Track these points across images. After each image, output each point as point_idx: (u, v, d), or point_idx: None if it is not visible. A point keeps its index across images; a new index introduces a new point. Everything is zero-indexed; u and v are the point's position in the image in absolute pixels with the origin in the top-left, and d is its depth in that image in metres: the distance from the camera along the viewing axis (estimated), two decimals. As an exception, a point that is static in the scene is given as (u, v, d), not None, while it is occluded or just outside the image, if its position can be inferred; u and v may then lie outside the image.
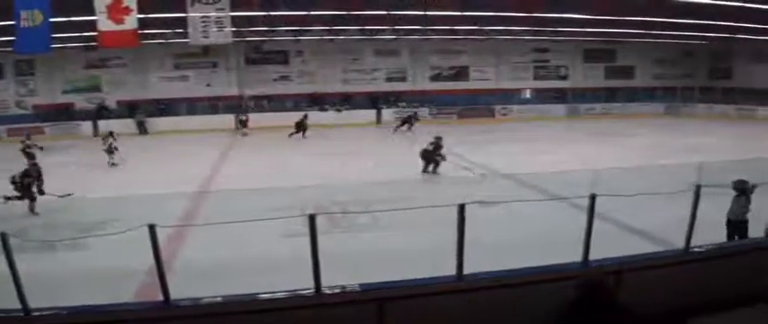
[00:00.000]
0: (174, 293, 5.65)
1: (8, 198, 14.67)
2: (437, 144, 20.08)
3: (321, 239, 5.88)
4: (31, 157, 20.92)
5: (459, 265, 6.38)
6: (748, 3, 21.47)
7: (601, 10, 25.13)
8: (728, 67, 45.85)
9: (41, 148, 21.90)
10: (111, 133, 23.33)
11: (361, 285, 6.10)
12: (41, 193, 15.11)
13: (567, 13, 25.93)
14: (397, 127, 34.20)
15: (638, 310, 4.43)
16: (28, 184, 14.87)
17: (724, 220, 9.67)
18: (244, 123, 35.05)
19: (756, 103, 40.82)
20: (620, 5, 23.48)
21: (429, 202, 7.03)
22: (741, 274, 7.64)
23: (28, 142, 22.02)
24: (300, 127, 31.36)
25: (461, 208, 6.23)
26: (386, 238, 11.21)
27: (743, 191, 9.69)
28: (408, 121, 34.32)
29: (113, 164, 22.66)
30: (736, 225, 9.66)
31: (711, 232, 8.04)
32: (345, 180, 17.51)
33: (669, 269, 7.44)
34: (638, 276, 6.95)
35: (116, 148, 22.88)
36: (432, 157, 19.84)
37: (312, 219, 5.77)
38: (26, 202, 14.72)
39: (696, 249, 7.71)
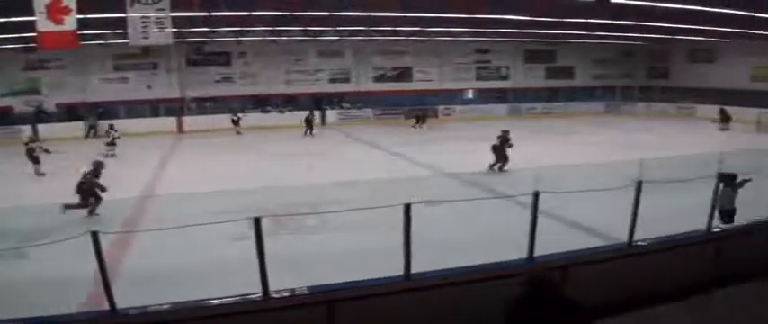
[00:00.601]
0: (121, 302, 5.54)
1: (70, 206, 14.00)
2: (504, 137, 20.13)
3: (269, 242, 5.84)
4: (36, 160, 20.77)
5: (407, 265, 6.40)
6: (685, 5, 21.97)
7: (541, 11, 25.42)
8: (666, 67, 47.33)
9: (47, 151, 21.46)
10: (111, 126, 24.83)
11: (309, 288, 6.08)
12: (104, 190, 14.49)
13: (507, 14, 26.09)
14: (417, 123, 36.90)
15: (584, 303, 4.48)
16: (93, 187, 14.40)
17: (663, 214, 9.85)
18: (236, 123, 35.21)
19: (695, 102, 42.04)
20: (560, 7, 23.75)
21: (377, 203, 7.00)
22: (682, 266, 7.84)
23: (33, 144, 21.38)
24: (309, 124, 33.87)
25: (407, 208, 6.26)
26: (334, 239, 11.20)
27: (729, 182, 10.41)
28: (422, 117, 37.40)
29: (112, 155, 24.15)
30: (727, 213, 10.37)
31: (654, 226, 8.20)
32: (293, 182, 17.40)
33: (613, 263, 7.59)
34: (584, 271, 7.06)
35: (117, 139, 24.84)
36: (501, 152, 19.85)
37: (257, 222, 5.72)
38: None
39: (639, 243, 7.87)
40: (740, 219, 9.82)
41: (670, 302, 7.07)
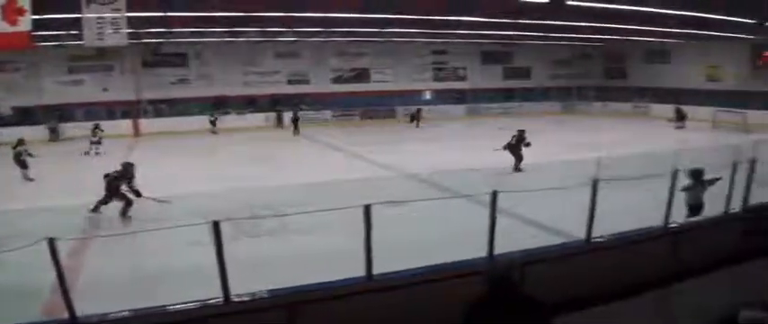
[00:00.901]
0: (81, 309, 5.46)
1: (96, 209, 14.00)
2: (521, 137, 20.10)
3: (230, 246, 5.79)
4: (24, 165, 20.35)
5: (368, 266, 6.39)
6: (640, 6, 22.29)
7: (497, 13, 25.60)
8: (623, 67, 48.34)
9: (31, 155, 20.89)
10: (97, 125, 25.10)
11: (270, 291, 6.03)
12: (138, 195, 14.19)
13: (464, 16, 26.21)
14: (412, 121, 38.80)
15: (545, 301, 4.53)
16: (117, 186, 14.16)
17: (621, 211, 9.99)
18: (213, 123, 35.83)
19: (650, 101, 43.05)
20: (517, 8, 23.93)
21: (337, 204, 7.00)
22: (640, 261, 7.97)
23: (21, 148, 20.86)
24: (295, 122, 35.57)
25: (367, 208, 6.25)
26: (295, 241, 11.15)
27: (697, 178, 10.63)
28: (417, 116, 39.16)
29: (97, 153, 25.08)
30: (694, 208, 10.61)
31: (611, 223, 8.34)
32: (253, 184, 17.30)
33: (572, 260, 7.68)
34: (543, 268, 7.12)
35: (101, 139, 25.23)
36: (516, 151, 19.86)
37: (216, 226, 5.67)
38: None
39: (597, 239, 7.99)
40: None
41: (629, 298, 7.18)
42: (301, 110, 38.55)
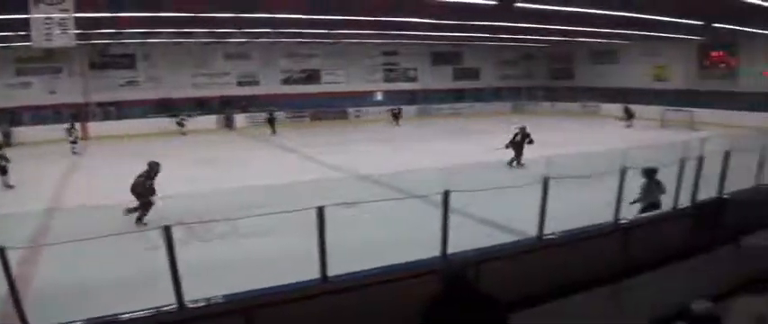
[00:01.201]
0: (33, 320, 5.35)
1: (131, 210, 13.62)
2: (524, 133, 20.42)
3: (183, 251, 5.73)
4: (3, 171, 19.35)
5: (323, 268, 6.39)
6: (587, 8, 22.62)
7: (446, 15, 25.73)
8: (570, 68, 49.29)
9: (8, 160, 19.81)
10: (72, 125, 24.47)
11: (225, 296, 5.97)
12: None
13: (413, 17, 26.31)
14: (394, 119, 39.89)
15: (499, 298, 4.58)
16: (151, 186, 13.83)
17: (572, 208, 10.12)
18: (180, 124, 35.53)
19: (599, 100, 43.95)
20: (465, 10, 24.08)
21: (290, 206, 6.95)
22: (592, 257, 8.10)
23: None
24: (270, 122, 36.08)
25: (320, 210, 6.27)
26: (248, 245, 11.05)
27: (651, 177, 10.64)
28: (398, 114, 40.41)
29: (74, 152, 24.97)
30: (652, 206, 10.54)
31: (563, 220, 8.45)
32: (204, 187, 17.11)
33: (525, 257, 7.78)
34: (497, 266, 7.20)
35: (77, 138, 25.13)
36: (520, 147, 20.28)
37: (167, 230, 5.60)
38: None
39: (549, 237, 8.09)
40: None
41: (582, 293, 7.30)
42: (274, 111, 38.32)
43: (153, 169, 13.98)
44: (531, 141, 20.60)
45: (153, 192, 13.76)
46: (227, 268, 9.30)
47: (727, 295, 3.88)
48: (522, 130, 20.43)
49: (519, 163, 20.26)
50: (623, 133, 31.46)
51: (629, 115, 36.47)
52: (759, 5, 20.11)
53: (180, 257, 5.68)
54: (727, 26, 29.14)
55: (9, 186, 19.34)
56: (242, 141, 32.61)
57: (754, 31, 30.93)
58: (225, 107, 40.07)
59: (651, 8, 23.39)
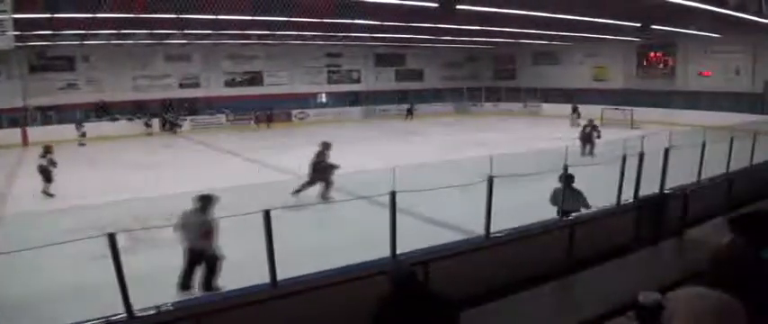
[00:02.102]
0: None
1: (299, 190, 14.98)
2: (592, 124, 21.77)
3: (130, 258, 5.60)
4: (48, 177, 18.30)
5: (272, 272, 6.32)
6: (529, 11, 22.91)
7: (390, 17, 25.78)
8: (513, 69, 50.10)
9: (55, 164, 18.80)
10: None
11: (174, 304, 5.90)
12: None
13: (357, 19, 26.28)
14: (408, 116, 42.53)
15: (449, 297, 4.57)
16: (328, 165, 15.49)
17: (518, 206, 10.20)
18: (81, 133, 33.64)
19: (541, 100, 44.68)
20: (409, 12, 24.15)
21: (236, 210, 6.85)
22: (538, 254, 8.18)
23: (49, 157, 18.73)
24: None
25: (267, 214, 6.21)
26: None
27: (569, 183, 10.29)
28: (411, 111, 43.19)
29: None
30: (567, 214, 10.12)
31: (507, 218, 8.52)
32: (148, 193, 16.74)
33: (473, 255, 7.81)
34: (446, 265, 7.21)
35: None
36: (590, 139, 21.24)
37: (112, 238, 5.47)
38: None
39: (496, 235, 8.14)
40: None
41: (531, 289, 7.35)
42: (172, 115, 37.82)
43: (327, 148, 16.44)
44: (598, 135, 22.56)
45: (332, 168, 15.80)
46: (176, 275, 9.10)
47: (674, 286, 3.95)
48: (590, 121, 21.08)
49: (591, 153, 21.35)
50: (569, 132, 31.89)
51: (578, 114, 37.20)
52: (695, 7, 20.60)
53: (126, 265, 5.55)
54: (664, 28, 29.84)
55: (49, 195, 18.32)
56: (185, 145, 32.10)
57: (691, 32, 31.79)
58: (166, 110, 39.13)
59: (591, 10, 23.79)
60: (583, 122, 33.81)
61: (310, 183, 15.71)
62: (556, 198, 10.40)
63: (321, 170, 15.58)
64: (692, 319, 2.21)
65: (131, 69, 38.94)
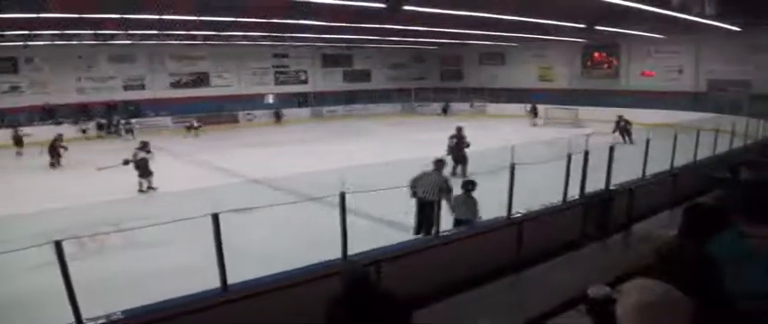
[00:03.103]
0: None
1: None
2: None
3: (77, 266, 5.47)
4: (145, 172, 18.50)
5: (223, 276, 6.26)
6: (475, 12, 23.08)
7: (337, 17, 25.72)
8: (459, 70, 50.43)
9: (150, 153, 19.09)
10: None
11: (124, 312, 5.79)
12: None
13: (304, 19, 26.16)
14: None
15: (401, 296, 4.57)
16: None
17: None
18: (18, 140, 31.81)
19: (487, 100, 45.06)
20: (356, 13, 24.14)
21: (184, 214, 6.73)
22: (489, 251, 8.26)
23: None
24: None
25: (215, 217, 6.15)
26: (144, 257, 10.63)
27: (469, 191, 10.14)
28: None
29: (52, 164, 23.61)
30: (461, 223, 9.88)
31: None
32: (93, 199, 16.38)
33: (424, 254, 7.84)
34: (398, 264, 7.23)
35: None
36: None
37: (59, 245, 5.35)
38: None
39: (445, 233, 8.18)
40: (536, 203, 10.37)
41: (482, 286, 7.40)
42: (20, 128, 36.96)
43: (461, 130, 18.94)
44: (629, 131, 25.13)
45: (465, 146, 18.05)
46: (125, 282, 8.93)
47: (622, 279, 4.00)
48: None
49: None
50: (518, 130, 32.29)
51: (535, 114, 38.15)
52: (636, 8, 20.99)
53: (74, 273, 5.43)
54: (608, 29, 30.40)
55: (151, 188, 18.78)
56: (129, 148, 31.38)
57: (634, 32, 32.44)
58: (111, 113, 38.14)
59: (537, 11, 24.09)
60: (540, 122, 34.70)
61: (455, 164, 17.67)
62: (453, 206, 10.28)
63: (458, 150, 17.70)
64: (638, 312, 2.23)
65: (75, 71, 37.94)
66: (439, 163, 10.83)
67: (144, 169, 18.55)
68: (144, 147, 19.08)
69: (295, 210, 9.80)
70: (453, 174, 16.56)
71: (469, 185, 10.18)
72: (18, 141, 30.28)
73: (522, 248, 8.85)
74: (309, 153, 25.30)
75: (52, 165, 23.93)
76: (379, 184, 9.51)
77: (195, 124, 35.47)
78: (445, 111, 45.20)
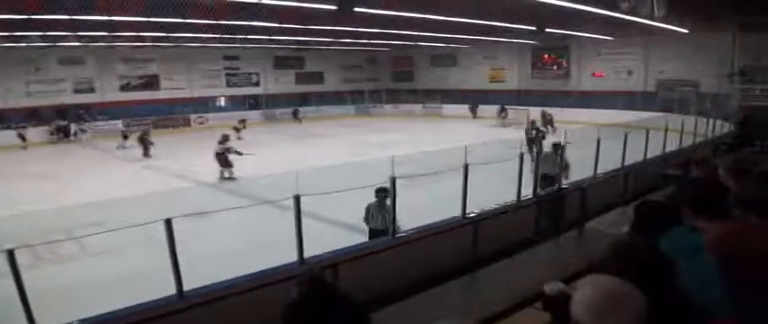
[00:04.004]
0: None
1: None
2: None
3: (28, 277, 5.37)
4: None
5: (178, 283, 6.21)
6: (427, 14, 23.19)
7: (289, 19, 25.59)
8: (411, 71, 50.72)
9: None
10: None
11: (80, 321, 5.72)
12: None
13: (255, 21, 25.94)
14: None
15: (360, 298, 4.59)
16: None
17: (422, 205, 10.30)
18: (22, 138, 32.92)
19: (440, 102, 45.31)
20: (308, 14, 24.04)
21: (136, 220, 6.65)
22: (446, 250, 8.32)
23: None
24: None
25: (168, 222, 6.12)
26: (98, 265, 10.43)
27: (384, 198, 9.38)
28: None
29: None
30: (377, 234, 9.33)
31: (415, 216, 8.62)
32: (44, 206, 16.01)
33: (381, 255, 7.87)
34: (353, 266, 7.25)
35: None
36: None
37: (11, 255, 5.25)
38: None
39: (401, 234, 8.21)
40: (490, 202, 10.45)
41: (439, 286, 7.45)
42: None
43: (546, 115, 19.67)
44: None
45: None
46: (79, 291, 8.77)
47: (577, 276, 4.07)
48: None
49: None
50: (469, 130, 32.50)
51: (505, 114, 38.76)
52: (584, 11, 21.28)
53: (27, 283, 5.35)
54: (558, 31, 30.82)
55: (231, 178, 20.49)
56: (80, 153, 30.88)
57: (583, 34, 32.98)
58: (61, 116, 37.01)
59: (487, 14, 24.30)
60: (511, 122, 35.16)
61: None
62: (367, 215, 9.75)
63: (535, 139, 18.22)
64: (590, 308, 2.28)
65: (25, 74, 36.85)
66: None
67: (225, 161, 20.65)
68: (226, 139, 21.10)
69: (249, 213, 9.75)
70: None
71: (383, 193, 9.31)
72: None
73: (478, 247, 8.94)
74: (261, 156, 25.16)
75: (145, 155, 27.49)
76: (334, 185, 9.50)
77: (129, 131, 34.38)
78: (295, 114, 44.58)
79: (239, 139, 31.36)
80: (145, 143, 27.92)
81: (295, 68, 49.00)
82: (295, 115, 43.83)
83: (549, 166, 11.69)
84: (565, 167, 12.13)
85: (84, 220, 12.73)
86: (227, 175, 20.37)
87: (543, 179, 11.35)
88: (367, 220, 9.77)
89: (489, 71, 46.13)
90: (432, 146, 19.74)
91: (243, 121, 35.98)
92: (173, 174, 21.94)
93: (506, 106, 39.23)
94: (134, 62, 41.20)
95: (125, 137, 32.07)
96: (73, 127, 36.36)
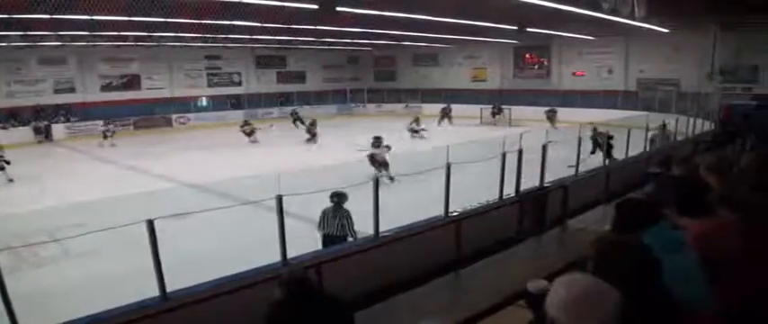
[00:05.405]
0: None
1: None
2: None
3: (11, 280, 5.34)
4: None
5: (161, 284, 6.20)
6: (408, 14, 23.20)
7: (271, 18, 25.51)
8: (393, 71, 50.66)
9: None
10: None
11: (64, 324, 5.63)
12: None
13: (237, 20, 25.83)
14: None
15: (343, 298, 4.60)
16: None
17: (404, 205, 10.32)
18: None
19: (421, 101, 45.41)
20: (289, 14, 23.96)
21: (119, 222, 6.60)
22: (428, 249, 8.34)
23: None
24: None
25: (151, 224, 6.08)
26: (82, 267, 10.39)
27: (340, 203, 9.21)
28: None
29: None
30: (333, 240, 8.99)
31: (397, 216, 8.63)
32: (27, 208, 15.89)
33: (364, 255, 7.88)
34: (337, 266, 7.24)
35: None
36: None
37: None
38: None
39: (385, 234, 8.23)
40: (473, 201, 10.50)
41: (424, 285, 7.47)
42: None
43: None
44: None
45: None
46: (62, 293, 8.73)
47: (560, 273, 4.11)
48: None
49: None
50: (474, 131, 32.53)
51: (498, 113, 38.58)
52: (565, 10, 21.37)
53: (10, 287, 5.33)
54: (539, 31, 30.95)
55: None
56: (62, 154, 30.62)
57: (564, 34, 33.15)
58: (41, 117, 36.81)
59: (470, 13, 24.34)
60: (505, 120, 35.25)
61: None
62: (321, 221, 9.37)
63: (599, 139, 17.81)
64: (564, 307, 2.30)
65: (6, 74, 36.50)
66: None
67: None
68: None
69: (232, 214, 9.73)
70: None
71: (339, 198, 9.16)
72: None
73: (461, 246, 8.96)
74: (244, 156, 25.09)
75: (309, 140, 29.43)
76: (318, 186, 9.51)
77: (109, 131, 33.89)
78: (295, 119, 41.02)
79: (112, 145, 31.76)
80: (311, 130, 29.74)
81: (277, 68, 48.89)
82: (295, 120, 39.08)
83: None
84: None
85: (64, 222, 12.66)
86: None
87: None
88: (320, 226, 9.32)
89: (471, 71, 46.27)
90: (409, 146, 19.73)
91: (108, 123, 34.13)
92: (153, 175, 21.81)
93: (502, 106, 38.94)
94: (116, 62, 40.82)
95: (105, 137, 31.88)
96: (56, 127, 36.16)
